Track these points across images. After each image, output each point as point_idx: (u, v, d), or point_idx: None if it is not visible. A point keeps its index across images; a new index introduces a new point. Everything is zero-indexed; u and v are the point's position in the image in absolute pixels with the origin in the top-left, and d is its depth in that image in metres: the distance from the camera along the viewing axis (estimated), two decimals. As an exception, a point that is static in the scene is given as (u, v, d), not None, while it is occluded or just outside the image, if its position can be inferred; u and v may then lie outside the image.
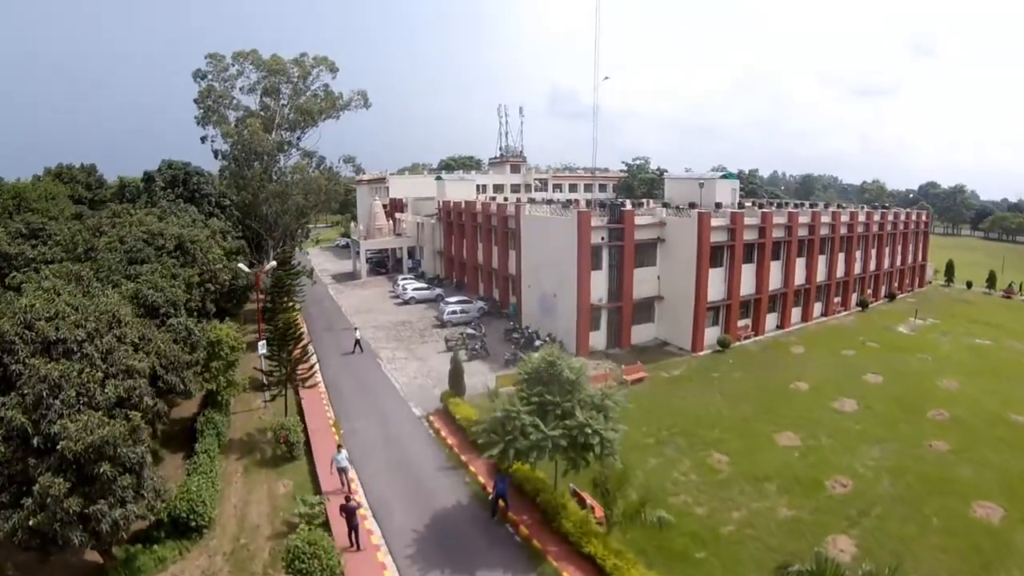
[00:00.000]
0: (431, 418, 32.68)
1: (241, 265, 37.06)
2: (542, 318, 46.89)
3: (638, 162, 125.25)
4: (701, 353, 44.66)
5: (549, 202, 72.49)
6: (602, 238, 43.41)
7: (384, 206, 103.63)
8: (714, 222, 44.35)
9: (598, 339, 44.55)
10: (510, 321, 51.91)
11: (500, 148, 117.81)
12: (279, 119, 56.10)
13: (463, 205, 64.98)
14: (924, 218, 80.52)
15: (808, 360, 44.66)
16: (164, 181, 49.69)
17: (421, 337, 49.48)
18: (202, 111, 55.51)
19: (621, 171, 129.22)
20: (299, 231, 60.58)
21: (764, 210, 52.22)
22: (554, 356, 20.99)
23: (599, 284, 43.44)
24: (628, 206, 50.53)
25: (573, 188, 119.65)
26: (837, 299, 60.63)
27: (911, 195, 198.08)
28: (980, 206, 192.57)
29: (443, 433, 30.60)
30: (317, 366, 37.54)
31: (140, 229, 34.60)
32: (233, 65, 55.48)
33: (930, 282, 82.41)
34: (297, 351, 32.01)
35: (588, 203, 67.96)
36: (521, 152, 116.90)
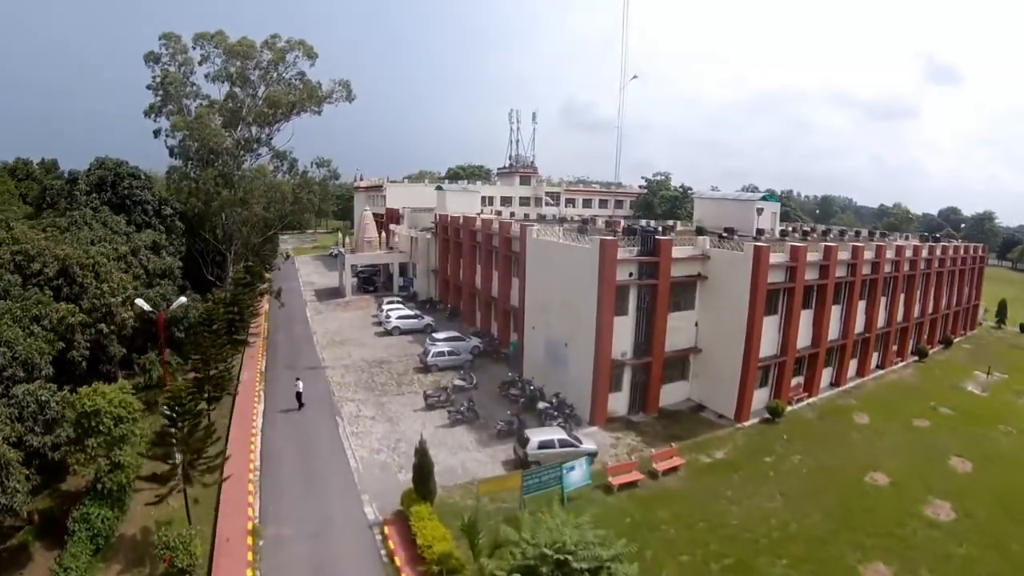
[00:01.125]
0: (386, 529, 23.41)
1: (140, 301, 27.46)
2: (549, 369, 37.66)
3: (658, 178, 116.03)
4: (747, 423, 35.37)
5: (562, 221, 63.34)
6: (630, 274, 34.15)
7: (379, 216, 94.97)
8: (772, 258, 35.02)
9: (618, 402, 35.22)
10: (509, 368, 42.63)
11: (509, 157, 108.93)
12: (246, 111, 47.40)
13: (461, 220, 55.96)
14: (980, 252, 71.02)
15: (878, 435, 35.69)
16: (88, 184, 40.58)
17: (398, 385, 40.34)
18: (158, 99, 46.85)
19: (640, 187, 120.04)
20: (268, 245, 51.36)
21: (827, 242, 42.86)
22: (567, 543, 11.73)
23: (624, 333, 34.13)
24: (660, 230, 41.30)
25: (587, 203, 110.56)
26: (894, 348, 51.26)
27: (932, 221, 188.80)
28: (1007, 234, 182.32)
29: (398, 561, 21.33)
30: (225, 454, 27.23)
31: (13, 249, 25.61)
32: (195, 48, 46.83)
33: (980, 323, 72.89)
34: (200, 431, 22.77)
35: (607, 223, 58.76)
36: (532, 162, 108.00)
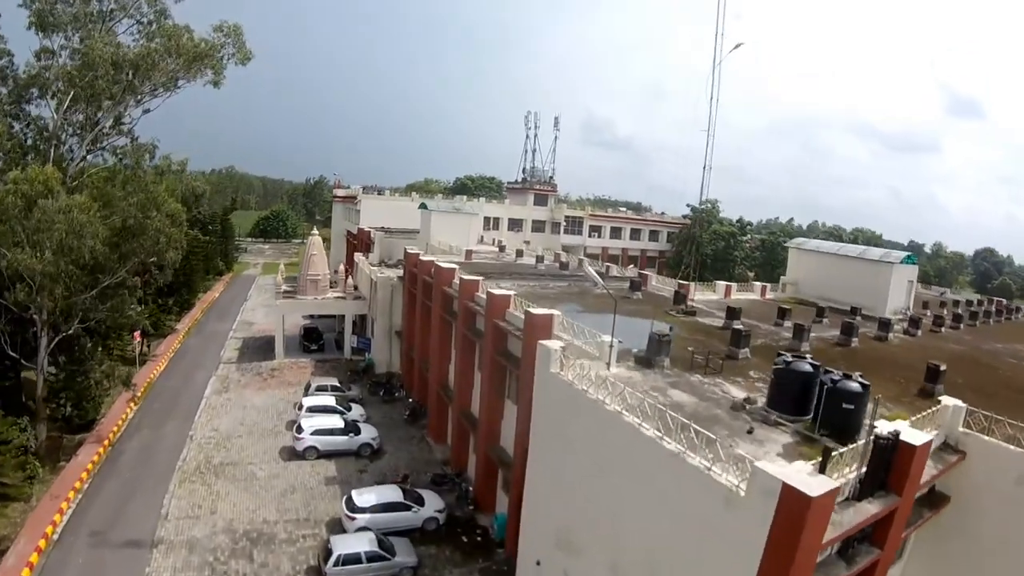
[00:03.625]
0: None
1: None
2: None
3: (705, 206, 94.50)
4: None
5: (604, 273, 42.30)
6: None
7: (351, 236, 74.24)
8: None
9: None
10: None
11: (523, 170, 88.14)
12: (55, 74, 26.79)
13: (433, 271, 34.69)
14: None
15: None
16: None
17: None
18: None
19: (684, 216, 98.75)
20: (120, 310, 30.16)
21: None
22: None
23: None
24: (864, 389, 20.06)
25: (616, 233, 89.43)
26: None
27: (979, 266, 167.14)
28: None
29: None
30: None
31: None
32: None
33: None
34: None
35: (637, 262, 37.86)
36: (551, 178, 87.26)
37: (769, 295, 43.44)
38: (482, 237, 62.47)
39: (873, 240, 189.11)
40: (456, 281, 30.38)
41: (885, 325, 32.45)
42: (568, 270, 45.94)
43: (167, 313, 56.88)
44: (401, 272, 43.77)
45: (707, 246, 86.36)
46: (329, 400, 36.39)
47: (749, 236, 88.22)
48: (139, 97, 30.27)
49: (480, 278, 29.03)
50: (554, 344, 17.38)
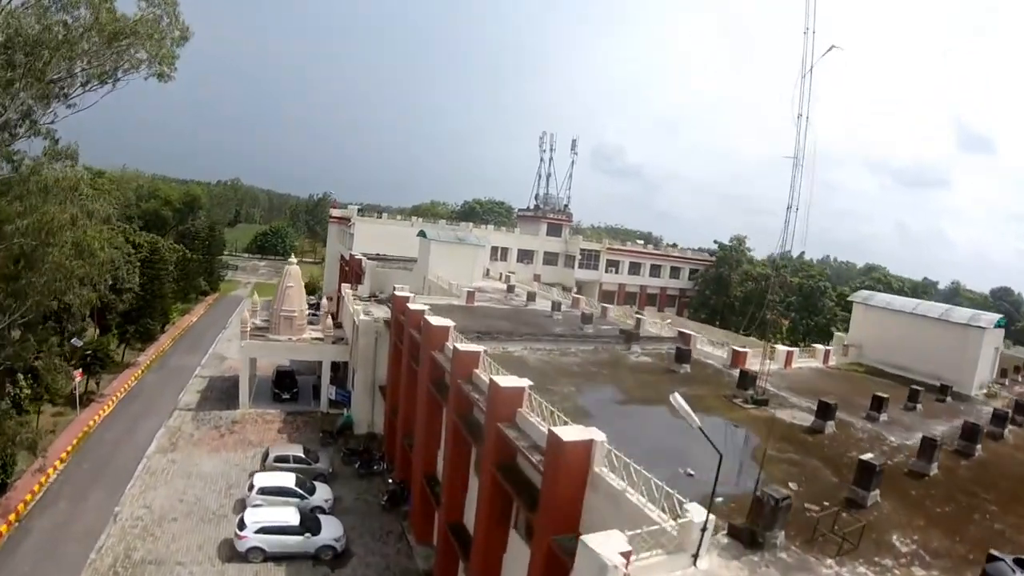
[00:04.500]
0: None
1: None
2: None
3: (732, 243, 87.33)
4: None
5: (637, 327, 35.02)
6: None
7: (344, 263, 67.32)
8: None
9: None
10: None
11: (536, 196, 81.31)
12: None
13: (421, 325, 27.31)
14: None
15: None
16: None
17: None
18: None
19: (710, 253, 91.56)
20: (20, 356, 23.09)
21: None
22: None
23: None
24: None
25: (635, 269, 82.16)
26: None
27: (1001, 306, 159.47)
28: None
29: None
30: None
31: None
32: None
33: None
34: None
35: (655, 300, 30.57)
36: (566, 206, 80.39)
37: (831, 360, 36.09)
38: (488, 270, 55.42)
39: (884, 282, 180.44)
40: (450, 347, 23.07)
41: (1001, 419, 25.23)
42: (591, 324, 38.57)
43: (128, 343, 49.83)
44: (388, 318, 36.60)
45: (736, 288, 78.94)
46: (288, 479, 28.94)
47: (782, 277, 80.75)
48: (58, 87, 23.41)
49: (481, 349, 21.60)
50: (610, 555, 9.68)
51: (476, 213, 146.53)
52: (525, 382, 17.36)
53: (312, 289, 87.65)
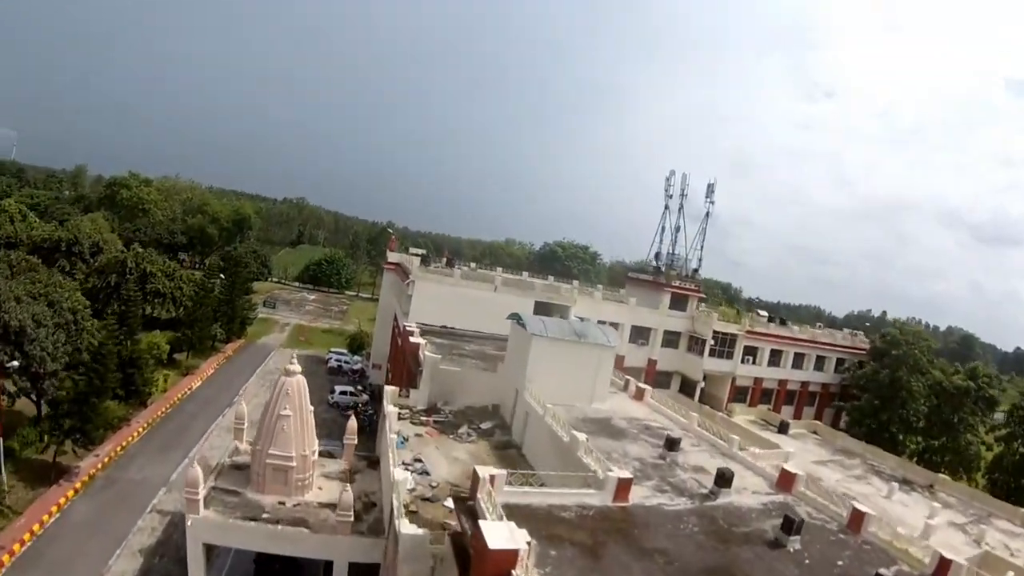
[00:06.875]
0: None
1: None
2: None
3: (897, 329, 64.64)
4: None
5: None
6: None
7: (397, 332, 49.20)
8: None
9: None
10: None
11: (656, 257, 61.39)
12: None
13: None
14: None
15: None
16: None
17: None
18: None
19: (863, 336, 69.77)
20: None
21: None
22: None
23: None
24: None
25: (775, 359, 61.10)
26: None
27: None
28: None
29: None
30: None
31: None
32: None
33: None
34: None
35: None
36: (695, 271, 60.25)
37: None
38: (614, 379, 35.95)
39: (968, 341, 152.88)
40: None
41: None
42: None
43: (59, 439, 32.73)
44: (454, 529, 17.41)
45: (919, 401, 56.46)
46: None
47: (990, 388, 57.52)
48: None
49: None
50: None
51: (557, 257, 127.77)
52: None
53: (358, 345, 70.28)
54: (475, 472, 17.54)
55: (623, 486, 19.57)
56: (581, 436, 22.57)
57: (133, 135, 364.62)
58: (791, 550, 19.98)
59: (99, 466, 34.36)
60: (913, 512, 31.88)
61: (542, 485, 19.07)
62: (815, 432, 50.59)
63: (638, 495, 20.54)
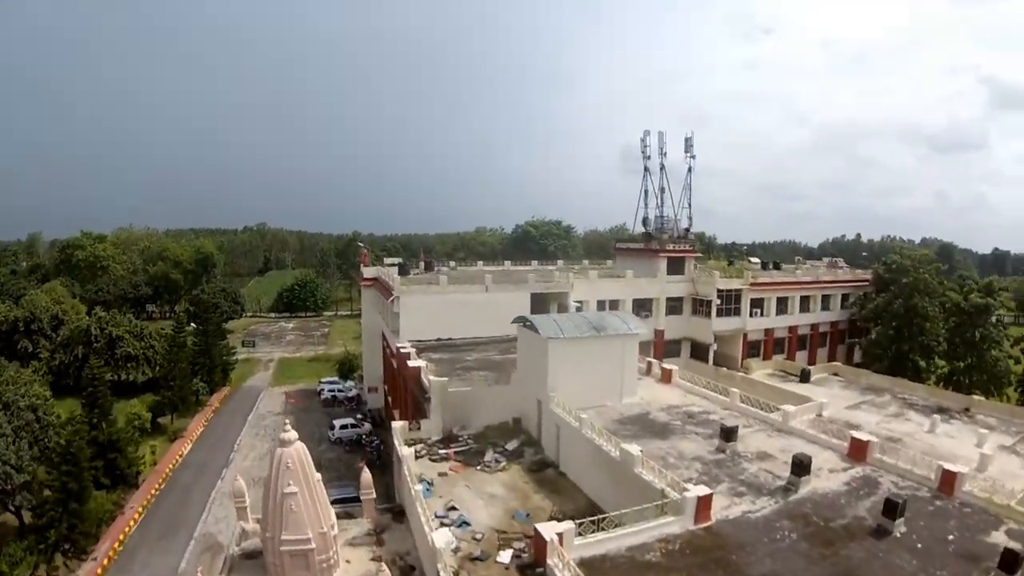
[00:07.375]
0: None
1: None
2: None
3: (907, 255, 62.77)
4: None
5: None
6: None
7: (390, 354, 45.63)
8: None
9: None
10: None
11: (644, 221, 58.36)
12: None
13: None
14: None
15: None
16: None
17: None
18: None
19: (867, 265, 68.08)
20: None
21: None
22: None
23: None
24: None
25: (781, 306, 58.99)
26: None
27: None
28: None
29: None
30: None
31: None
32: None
33: None
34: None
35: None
36: (687, 231, 57.49)
37: None
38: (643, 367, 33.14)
39: (947, 250, 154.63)
40: None
41: None
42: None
43: (47, 555, 29.00)
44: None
45: (938, 324, 54.73)
46: None
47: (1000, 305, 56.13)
48: None
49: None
50: None
51: (532, 237, 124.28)
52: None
53: (349, 368, 66.61)
54: (537, 533, 14.54)
55: (704, 504, 16.75)
56: (635, 449, 19.66)
57: (85, 190, 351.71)
58: (898, 535, 17.62)
59: (98, 572, 30.64)
60: (962, 443, 29.94)
61: (617, 526, 16.02)
62: (836, 374, 48.66)
63: (717, 506, 17.78)
